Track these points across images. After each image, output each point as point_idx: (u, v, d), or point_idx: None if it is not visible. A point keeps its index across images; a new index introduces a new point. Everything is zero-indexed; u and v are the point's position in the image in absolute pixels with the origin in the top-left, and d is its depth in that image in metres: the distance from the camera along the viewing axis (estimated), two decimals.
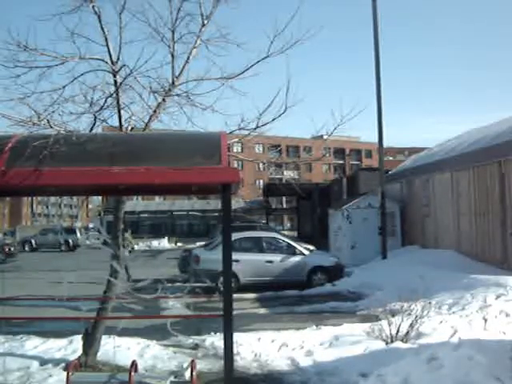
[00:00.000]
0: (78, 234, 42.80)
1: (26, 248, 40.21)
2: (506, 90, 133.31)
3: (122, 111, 7.48)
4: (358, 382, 6.80)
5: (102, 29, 7.37)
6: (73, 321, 9.10)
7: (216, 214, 50.84)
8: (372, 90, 20.85)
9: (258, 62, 7.64)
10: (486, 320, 9.95)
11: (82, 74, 7.08)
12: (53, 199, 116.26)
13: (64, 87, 6.91)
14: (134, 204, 54.12)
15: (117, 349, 7.75)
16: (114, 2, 7.38)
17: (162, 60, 7.62)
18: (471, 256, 16.54)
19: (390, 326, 8.33)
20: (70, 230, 44.60)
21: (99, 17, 7.31)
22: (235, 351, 6.47)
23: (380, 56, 20.85)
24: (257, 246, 17.59)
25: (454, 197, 18.15)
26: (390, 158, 78.39)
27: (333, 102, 7.67)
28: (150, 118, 7.60)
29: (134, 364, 6.06)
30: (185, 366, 7.45)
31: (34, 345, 8.67)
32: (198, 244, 27.91)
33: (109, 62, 7.35)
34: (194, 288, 10.81)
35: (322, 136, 11.61)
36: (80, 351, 7.60)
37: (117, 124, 7.59)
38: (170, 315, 10.83)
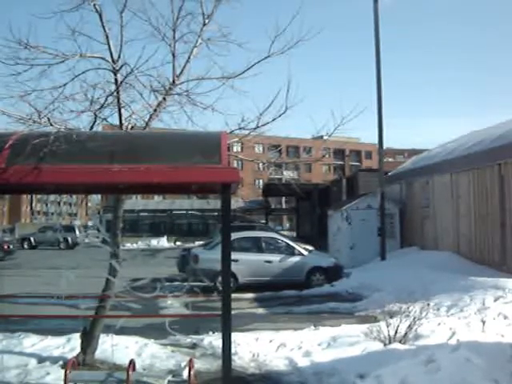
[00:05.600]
0: (77, 232, 42.72)
1: (25, 246, 40.19)
2: (507, 93, 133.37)
3: (123, 110, 7.48)
4: (355, 383, 6.80)
5: (103, 27, 7.37)
6: (71, 319, 9.11)
7: (215, 214, 50.77)
8: (373, 91, 20.88)
9: (259, 61, 7.66)
10: (484, 322, 9.95)
11: (82, 72, 7.08)
12: (52, 197, 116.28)
13: (65, 85, 6.91)
14: (134, 203, 53.99)
15: (115, 347, 7.74)
16: (116, 1, 7.41)
17: (163, 59, 7.64)
18: (470, 258, 16.55)
19: (388, 327, 8.32)
20: (69, 228, 44.55)
21: (100, 15, 7.32)
22: (233, 351, 6.46)
23: (381, 57, 20.85)
24: (256, 245, 17.59)
25: (454, 199, 18.15)
26: (390, 160, 78.37)
27: (333, 102, 7.69)
28: (150, 117, 7.60)
29: (131, 363, 6.07)
30: (183, 365, 7.45)
31: (31, 342, 8.66)
32: (197, 243, 27.90)
33: (110, 60, 7.35)
34: (193, 287, 10.79)
35: (322, 136, 11.60)
36: (78, 349, 7.60)
37: (117, 122, 7.58)
38: (168, 314, 10.85)
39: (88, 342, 7.50)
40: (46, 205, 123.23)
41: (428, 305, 9.97)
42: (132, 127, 7.61)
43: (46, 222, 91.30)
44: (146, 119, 7.61)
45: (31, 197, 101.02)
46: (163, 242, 47.43)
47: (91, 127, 7.18)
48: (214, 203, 48.72)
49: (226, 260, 5.61)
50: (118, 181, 5.70)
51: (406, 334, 8.42)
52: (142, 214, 56.31)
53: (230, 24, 7.84)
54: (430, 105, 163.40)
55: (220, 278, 6.82)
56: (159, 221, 56.39)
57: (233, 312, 5.61)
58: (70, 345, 8.39)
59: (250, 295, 15.62)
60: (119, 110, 7.47)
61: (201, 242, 27.36)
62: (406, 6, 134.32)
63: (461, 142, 20.07)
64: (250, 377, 7.57)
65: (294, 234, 45.68)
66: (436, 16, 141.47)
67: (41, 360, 7.80)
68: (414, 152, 59.21)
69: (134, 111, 7.55)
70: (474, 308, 10.93)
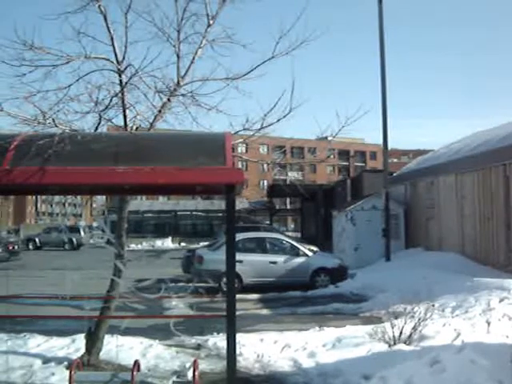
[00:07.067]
0: (82, 233, 42.80)
1: (30, 246, 40.29)
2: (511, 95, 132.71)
3: (127, 111, 7.49)
4: None
5: (108, 28, 7.38)
6: (76, 319, 9.11)
7: (220, 215, 50.83)
8: (377, 92, 20.87)
9: (264, 62, 7.65)
10: (489, 323, 9.92)
11: (87, 74, 7.08)
12: (57, 198, 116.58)
13: (69, 86, 6.91)
14: (138, 203, 54.13)
15: (119, 348, 7.76)
16: (120, 2, 7.40)
17: (168, 60, 7.63)
18: (475, 259, 16.50)
19: (392, 328, 8.31)
20: (74, 229, 44.61)
21: (105, 16, 7.32)
22: (238, 352, 6.45)
23: (385, 58, 20.84)
24: (260, 246, 17.61)
25: (459, 199, 18.12)
26: (395, 160, 78.22)
27: (338, 103, 7.69)
28: (154, 118, 7.60)
29: (136, 363, 6.07)
30: (187, 365, 7.45)
31: (36, 343, 8.68)
32: (202, 244, 27.92)
33: (114, 61, 7.35)
34: (198, 288, 10.81)
35: (326, 137, 11.60)
36: (83, 350, 7.61)
37: (122, 123, 7.59)
38: (172, 315, 10.84)
39: (93, 342, 7.51)
40: (51, 206, 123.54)
41: (433, 306, 9.95)
42: (137, 128, 7.62)
43: (51, 222, 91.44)
44: (151, 120, 7.62)
45: (36, 198, 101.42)
46: (168, 242, 47.50)
47: (96, 128, 7.19)
48: (219, 204, 48.86)
49: (231, 261, 5.61)
50: (123, 182, 5.71)
51: (410, 334, 8.40)
52: (146, 214, 56.46)
53: (235, 25, 7.84)
54: (435, 106, 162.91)
55: (224, 279, 6.84)
56: (164, 222, 56.49)
57: (237, 313, 5.61)
58: (74, 345, 8.41)
59: (255, 296, 15.62)
60: (124, 111, 7.48)
61: (205, 243, 27.38)
62: (414, 7, 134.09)
63: (466, 143, 20.02)
64: (255, 378, 7.56)
65: (299, 234, 45.62)
66: (441, 20, 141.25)
67: (46, 360, 7.82)
68: (418, 153, 58.98)
69: (138, 112, 7.55)
70: (479, 309, 10.90)
